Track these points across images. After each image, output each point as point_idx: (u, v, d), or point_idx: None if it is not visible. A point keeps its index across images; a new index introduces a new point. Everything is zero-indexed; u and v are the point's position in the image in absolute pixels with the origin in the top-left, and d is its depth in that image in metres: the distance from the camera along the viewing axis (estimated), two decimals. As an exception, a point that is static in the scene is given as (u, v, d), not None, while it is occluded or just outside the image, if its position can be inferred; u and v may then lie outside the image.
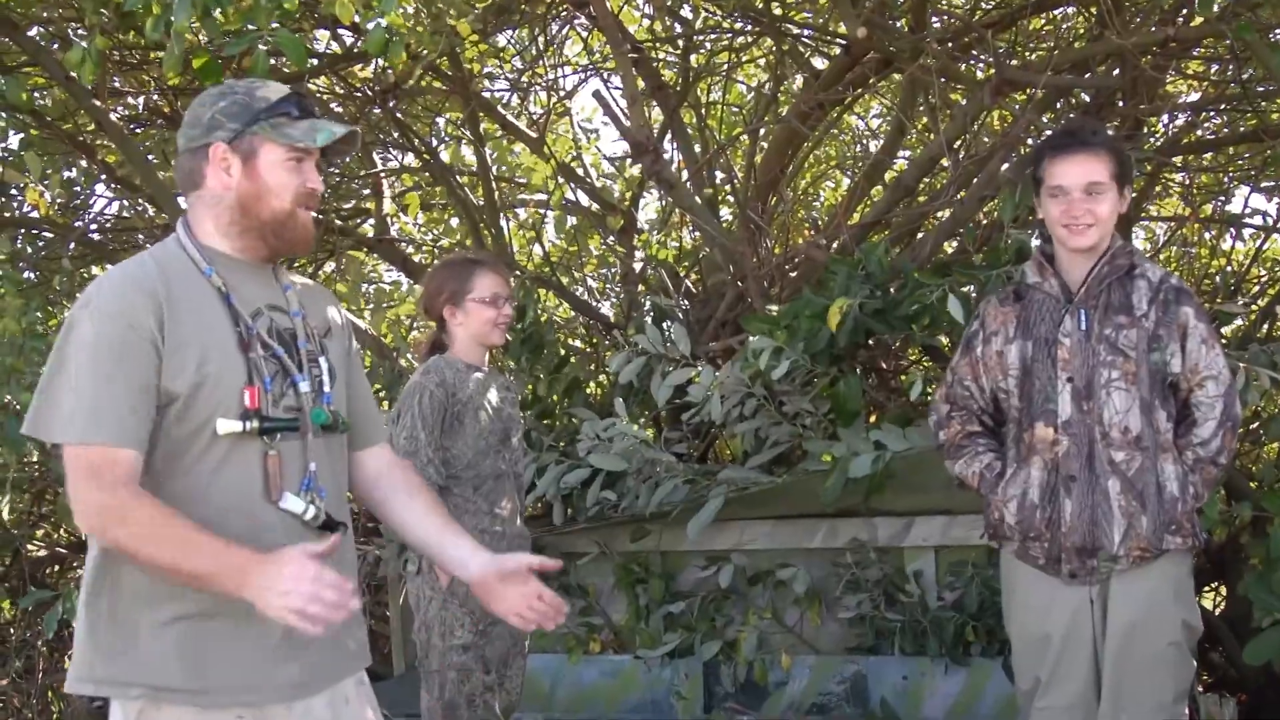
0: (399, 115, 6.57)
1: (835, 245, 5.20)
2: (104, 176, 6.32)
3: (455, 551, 2.82)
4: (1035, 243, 4.58)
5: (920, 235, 5.53)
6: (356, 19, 3.94)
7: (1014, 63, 5.12)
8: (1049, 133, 4.08)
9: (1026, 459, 3.66)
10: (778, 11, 5.62)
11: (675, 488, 5.00)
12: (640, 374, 5.21)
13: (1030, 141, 4.93)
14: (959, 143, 5.20)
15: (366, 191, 7.38)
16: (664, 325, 5.34)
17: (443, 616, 4.17)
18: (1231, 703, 4.15)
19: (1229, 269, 6.98)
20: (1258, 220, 7.33)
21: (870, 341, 5.13)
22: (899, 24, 5.14)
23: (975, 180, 4.99)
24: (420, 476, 3.11)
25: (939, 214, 5.48)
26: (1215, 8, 4.75)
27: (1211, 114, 6.30)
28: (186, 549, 2.38)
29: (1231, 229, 7.35)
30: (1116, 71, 4.91)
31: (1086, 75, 5.11)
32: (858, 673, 5.17)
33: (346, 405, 2.78)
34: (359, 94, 6.56)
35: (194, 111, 2.64)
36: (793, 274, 5.57)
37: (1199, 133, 6.49)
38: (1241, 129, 5.93)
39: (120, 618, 2.50)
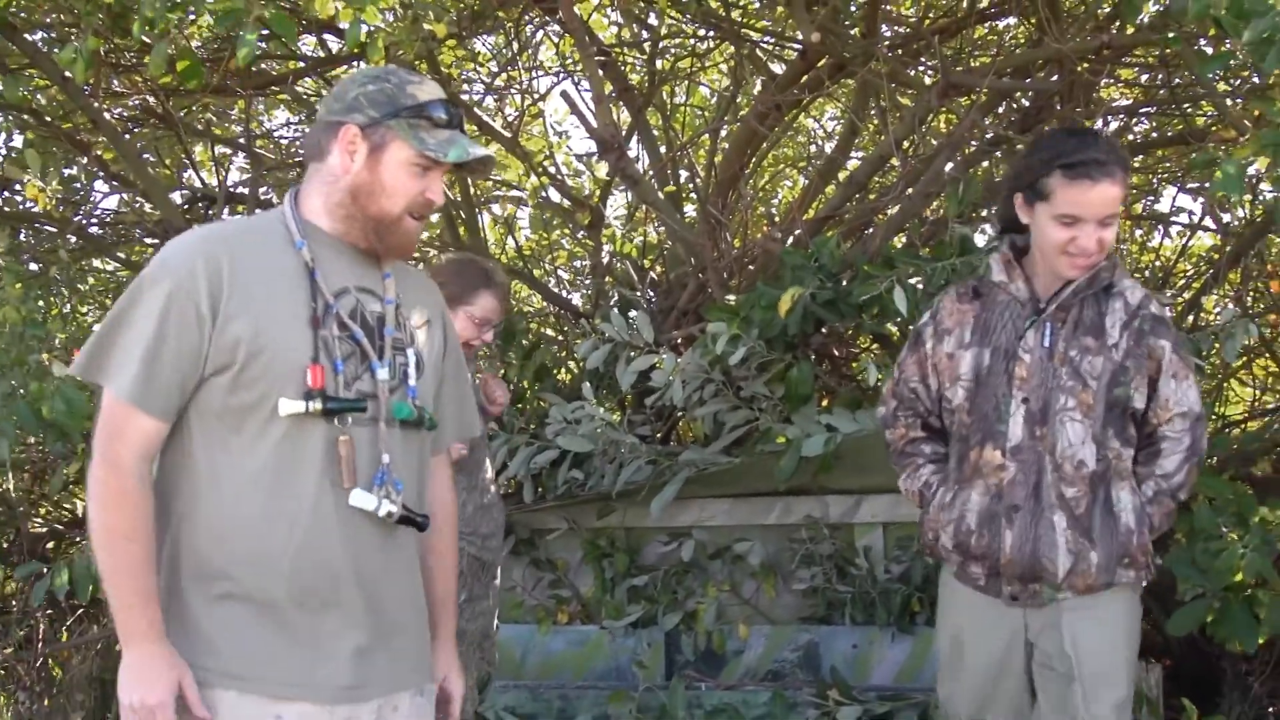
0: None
1: (790, 239, 5.15)
2: (101, 173, 6.23)
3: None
4: (986, 236, 4.54)
5: (870, 230, 5.50)
6: (335, 15, 3.84)
7: (959, 68, 5.06)
8: (1049, 136, 3.46)
9: (969, 480, 3.23)
10: (738, 18, 5.55)
11: (639, 468, 4.98)
12: (607, 360, 5.16)
13: (974, 143, 4.88)
14: (907, 143, 5.15)
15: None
16: (629, 314, 5.30)
17: None
18: (1158, 668, 4.12)
19: (1157, 263, 6.97)
20: (1184, 218, 7.30)
21: (823, 330, 5.10)
22: (852, 30, 5.08)
23: (922, 178, 4.95)
24: (454, 529, 2.78)
25: (888, 210, 5.45)
26: (1143, 18, 4.74)
27: (1141, 118, 6.27)
28: (122, 571, 2.24)
29: (1160, 226, 7.33)
30: (1055, 77, 4.87)
31: (1027, 80, 5.08)
32: (810, 641, 5.15)
33: (433, 402, 2.57)
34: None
35: (343, 85, 2.49)
36: (751, 266, 5.53)
37: (1130, 136, 6.47)
38: (1169, 133, 5.89)
39: (175, 589, 2.32)
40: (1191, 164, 5.29)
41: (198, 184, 6.47)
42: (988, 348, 3.20)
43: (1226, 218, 6.54)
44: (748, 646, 5.16)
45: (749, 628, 5.14)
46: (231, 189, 6.25)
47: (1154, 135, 6.47)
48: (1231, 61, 3.79)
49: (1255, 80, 4.51)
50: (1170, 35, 3.76)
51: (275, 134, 7.01)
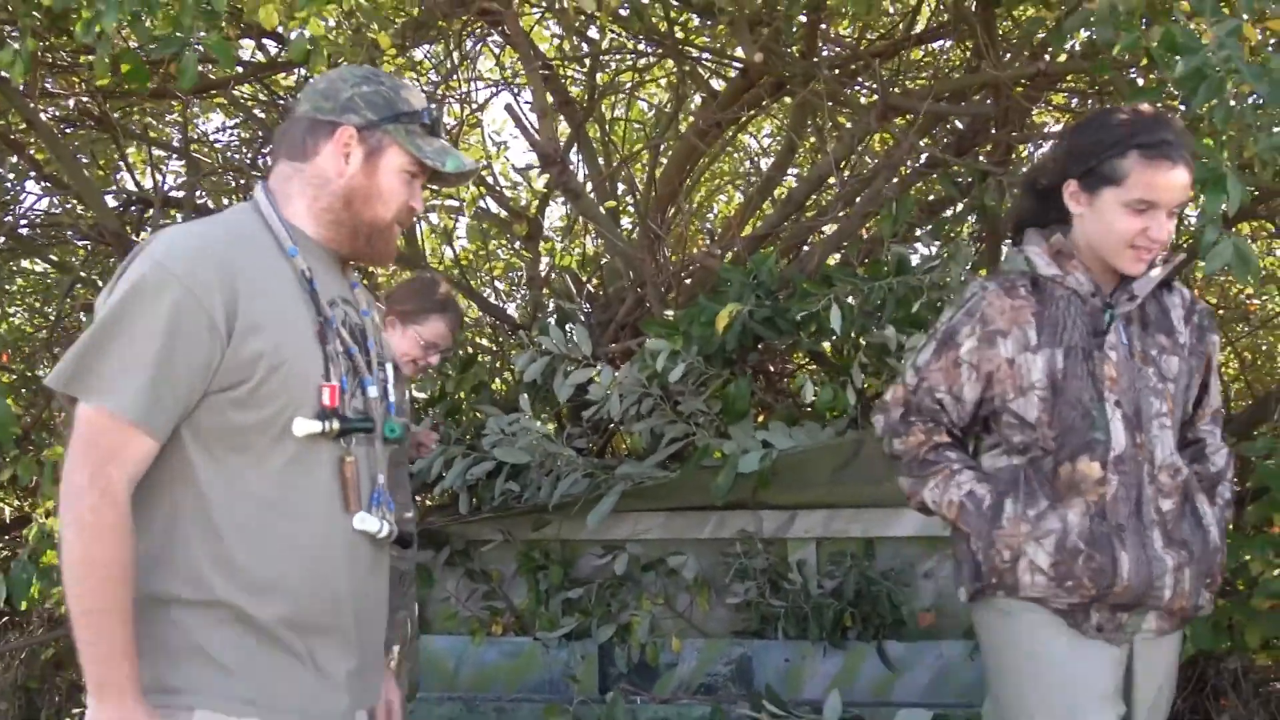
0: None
1: (729, 255, 5.18)
2: (33, 174, 6.14)
3: None
4: (919, 256, 4.59)
5: (807, 248, 5.54)
6: (280, 29, 3.82)
7: (896, 90, 5.13)
8: (1107, 115, 2.89)
9: (1063, 499, 2.77)
10: (680, 35, 5.58)
11: (576, 481, 4.98)
12: (544, 373, 5.16)
13: (909, 165, 4.94)
14: (844, 163, 5.21)
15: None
16: (566, 327, 5.30)
17: None
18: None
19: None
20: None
21: (759, 346, 5.13)
22: (791, 50, 5.13)
23: (859, 198, 5.00)
24: None
25: (824, 228, 5.50)
26: (1074, 45, 4.83)
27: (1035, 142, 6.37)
28: (112, 615, 2.01)
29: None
30: (990, 101, 4.95)
31: (962, 104, 5.16)
32: (743, 655, 5.18)
33: None
34: (281, 101, 6.43)
35: (331, 83, 2.34)
36: (688, 281, 5.55)
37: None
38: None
39: (163, 614, 2.12)
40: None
41: (131, 187, 6.40)
42: (1060, 348, 2.78)
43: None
44: (681, 659, 5.19)
45: (682, 641, 5.16)
46: (165, 193, 6.18)
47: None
48: (1164, 94, 3.86)
49: (1183, 109, 4.61)
50: (1100, 61, 3.83)
51: (211, 138, 6.93)
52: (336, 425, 2.18)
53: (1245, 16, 3.42)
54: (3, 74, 4.59)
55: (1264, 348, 7.27)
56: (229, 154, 6.85)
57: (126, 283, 2.10)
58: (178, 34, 3.87)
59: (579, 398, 5.18)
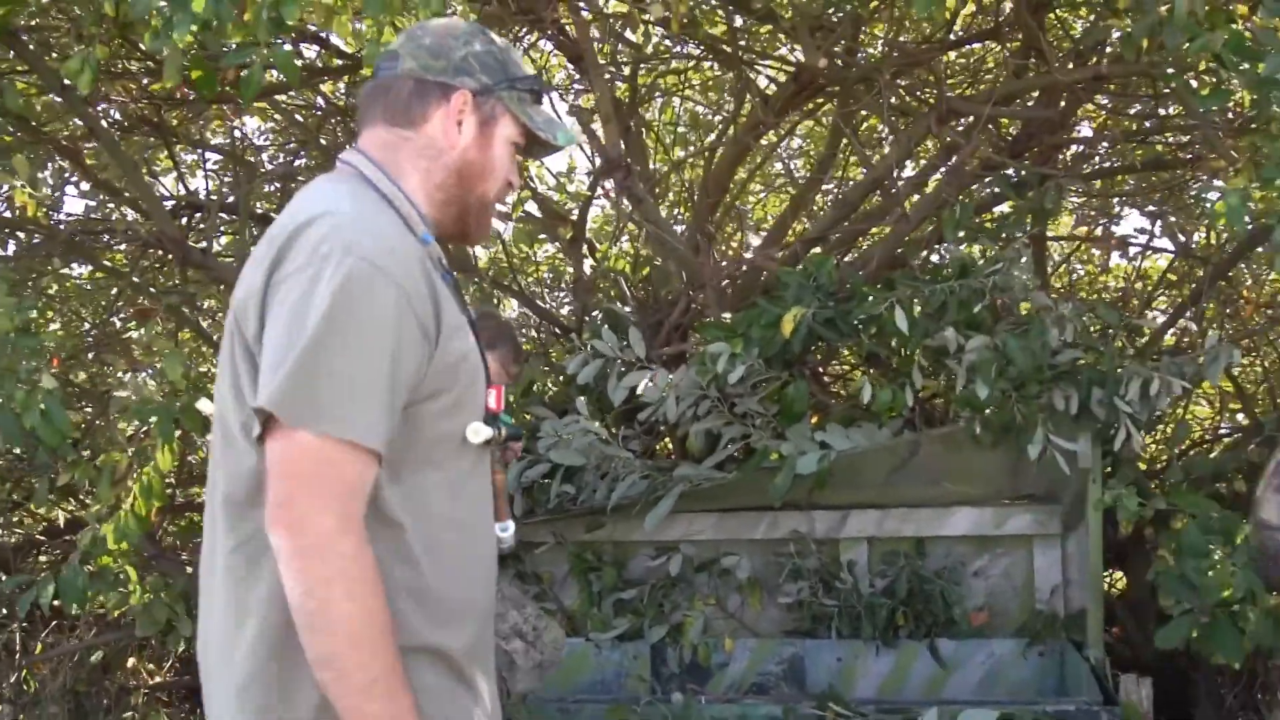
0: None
1: (782, 257, 5.23)
2: (74, 178, 6.16)
3: None
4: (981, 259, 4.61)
5: (856, 251, 5.59)
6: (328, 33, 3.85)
7: (951, 94, 5.17)
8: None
9: None
10: (741, 41, 5.59)
11: (634, 483, 5.00)
12: (597, 376, 5.19)
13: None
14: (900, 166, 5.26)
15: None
16: (618, 330, 5.32)
17: None
18: (1148, 682, 4.23)
19: (1131, 284, 7.14)
20: (1141, 240, 7.47)
21: (816, 348, 5.17)
22: (843, 54, 5.16)
23: (912, 200, 5.04)
24: None
25: (872, 231, 5.54)
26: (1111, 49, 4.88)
27: (1105, 144, 6.42)
28: (396, 677, 1.75)
29: (1119, 248, 7.50)
30: (1047, 105, 4.99)
31: (1017, 105, 5.20)
32: (795, 654, 5.23)
33: None
34: (318, 110, 6.46)
35: (439, 39, 2.05)
36: (738, 283, 5.57)
37: (1095, 162, 6.62)
38: (1130, 160, 6.00)
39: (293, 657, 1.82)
40: (1198, 194, 5.44)
41: (177, 190, 6.43)
42: None
43: (1186, 238, 6.76)
44: (732, 659, 5.24)
45: (734, 641, 5.21)
46: (223, 198, 6.21)
47: (1120, 160, 6.63)
48: (1229, 97, 3.91)
49: (1233, 111, 4.66)
50: (1172, 74, 3.87)
51: (253, 143, 6.96)
52: (503, 430, 2.01)
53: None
54: (65, 81, 4.62)
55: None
56: (276, 158, 6.87)
57: (328, 285, 1.78)
58: (251, 44, 3.91)
59: (630, 400, 5.21)
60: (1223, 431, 7.06)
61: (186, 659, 6.56)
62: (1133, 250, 7.25)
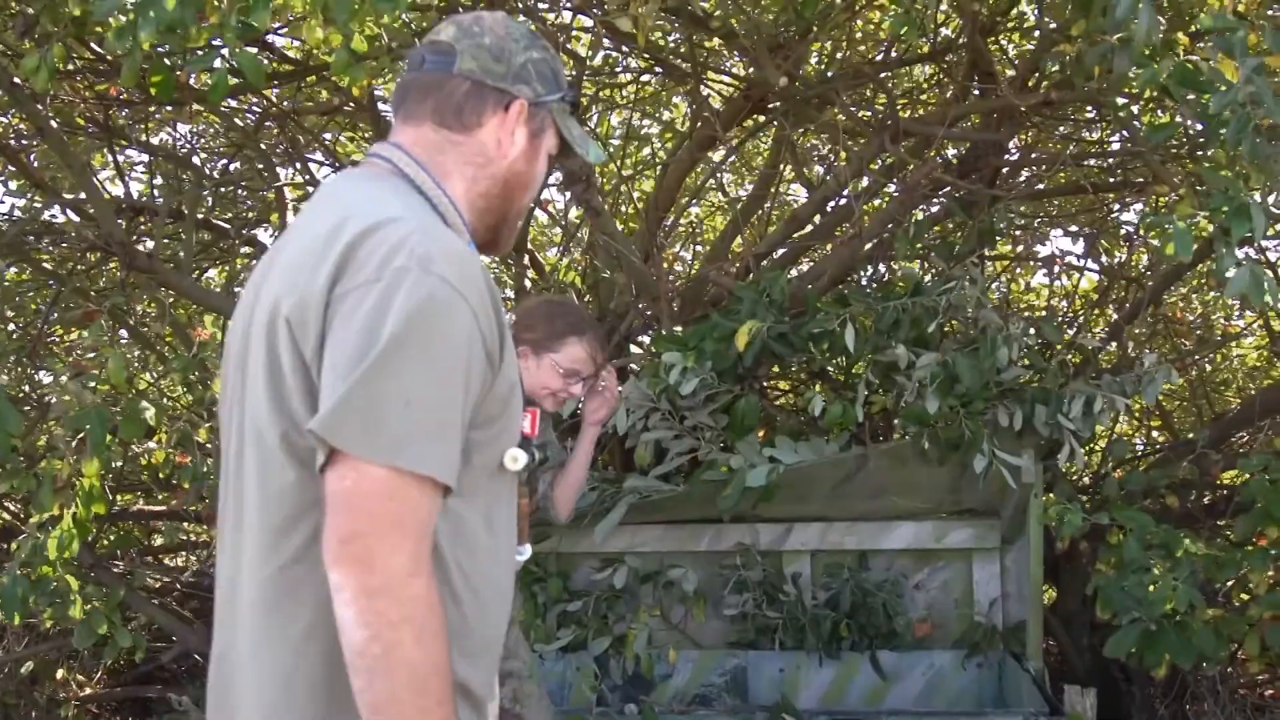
0: (301, 135, 6.45)
1: (733, 271, 5.29)
2: (5, 181, 6.06)
3: None
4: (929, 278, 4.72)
5: (808, 265, 5.68)
6: (322, 40, 3.85)
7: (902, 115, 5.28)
8: None
9: None
10: (698, 56, 5.64)
11: (584, 495, 5.02)
12: (544, 386, 5.19)
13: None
14: (853, 183, 5.35)
15: (249, 202, 7.22)
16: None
17: None
18: (1093, 692, 4.35)
19: (1057, 304, 7.32)
20: (1064, 261, 7.64)
21: (766, 363, 5.23)
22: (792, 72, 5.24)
23: (868, 219, 5.13)
24: None
25: (817, 248, 5.64)
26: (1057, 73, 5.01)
27: (1046, 166, 6.57)
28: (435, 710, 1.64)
29: (1044, 268, 7.68)
30: (997, 127, 5.12)
31: (963, 127, 5.32)
32: (738, 666, 5.30)
33: None
34: (251, 113, 6.41)
35: (500, 40, 1.95)
36: (679, 297, 5.63)
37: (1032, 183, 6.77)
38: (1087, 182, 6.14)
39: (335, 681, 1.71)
40: (1142, 222, 5.60)
41: (117, 193, 6.33)
42: None
43: (1111, 260, 6.96)
44: (676, 671, 5.29)
45: (678, 652, 5.26)
46: (157, 200, 6.14)
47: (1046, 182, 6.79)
48: (1177, 129, 4.04)
49: (1175, 140, 4.79)
50: (1120, 101, 4.01)
51: (193, 146, 6.88)
52: (537, 455, 2.02)
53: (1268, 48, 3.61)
54: (15, 80, 4.56)
55: (1226, 364, 7.60)
56: (210, 162, 6.81)
57: (404, 304, 1.66)
58: (213, 48, 3.90)
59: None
60: (1139, 447, 7.28)
61: (116, 670, 6.47)
62: (1057, 270, 7.43)
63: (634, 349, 5.78)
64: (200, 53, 3.92)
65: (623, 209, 6.55)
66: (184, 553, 7.17)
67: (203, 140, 7.04)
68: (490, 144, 1.94)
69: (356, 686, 1.63)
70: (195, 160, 6.58)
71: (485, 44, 1.95)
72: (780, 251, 5.74)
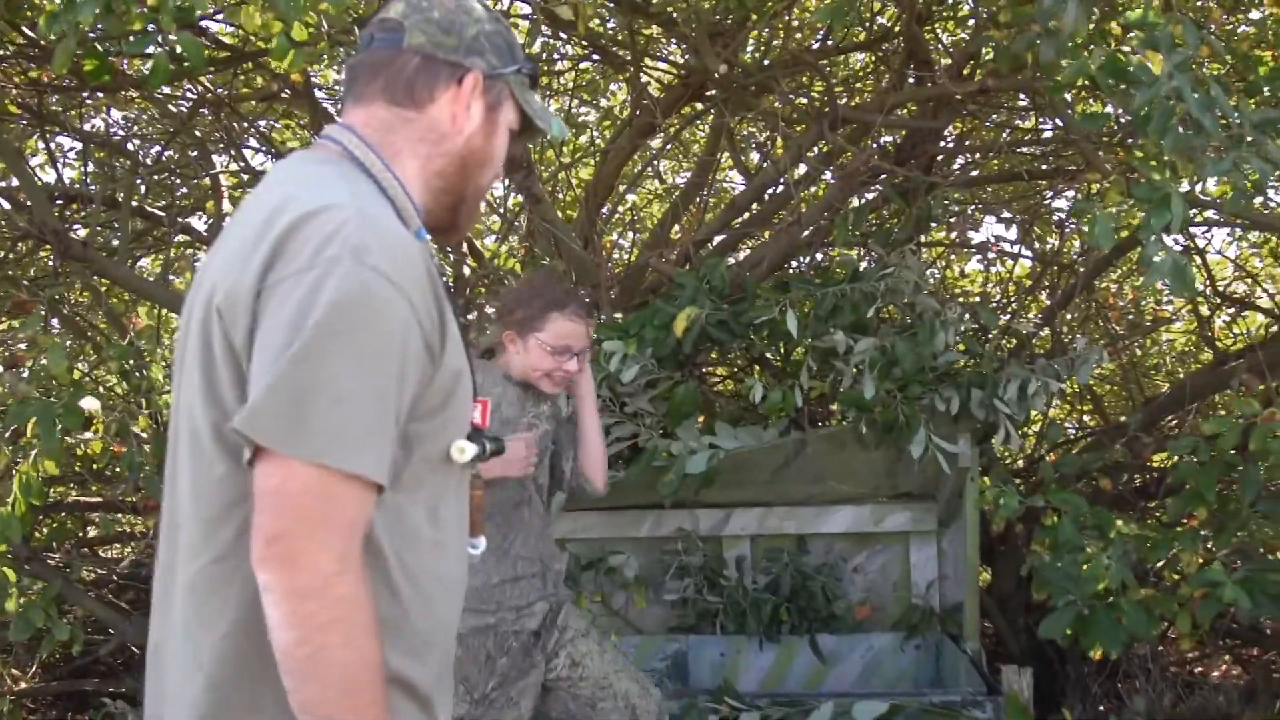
0: (237, 122, 6.40)
1: (673, 258, 5.32)
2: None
3: None
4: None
5: (747, 252, 5.72)
6: (261, 26, 3.83)
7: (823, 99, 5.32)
8: None
9: None
10: (632, 43, 5.66)
11: (522, 482, 5.03)
12: (486, 373, 5.20)
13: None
14: (790, 170, 5.38)
15: (184, 190, 7.15)
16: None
17: None
18: (1029, 672, 4.43)
19: (995, 288, 7.41)
20: (997, 247, 7.75)
21: (706, 349, 5.27)
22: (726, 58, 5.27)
23: (808, 207, 5.18)
24: None
25: (758, 234, 5.68)
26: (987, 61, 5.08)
27: (980, 154, 6.66)
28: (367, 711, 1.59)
29: (978, 254, 7.78)
30: (933, 115, 5.18)
31: (900, 114, 5.38)
32: (679, 650, 5.34)
33: None
34: (191, 96, 6.35)
35: (450, 14, 1.87)
36: (617, 284, 5.65)
37: (958, 171, 6.86)
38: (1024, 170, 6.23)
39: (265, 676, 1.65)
40: (1073, 209, 5.69)
41: (49, 180, 6.25)
42: None
43: (1043, 245, 7.07)
44: (617, 656, 5.31)
45: (619, 638, 5.29)
46: (91, 187, 6.07)
47: (978, 170, 6.87)
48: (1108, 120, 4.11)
49: (1105, 128, 4.87)
50: (1055, 85, 4.06)
51: (128, 133, 6.80)
52: (489, 447, 1.86)
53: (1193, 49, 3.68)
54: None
55: (1157, 349, 7.74)
56: (144, 149, 6.73)
57: (332, 295, 1.59)
58: (148, 33, 3.86)
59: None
60: (1072, 431, 7.40)
61: (51, 664, 6.40)
62: (991, 255, 7.53)
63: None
64: (134, 38, 3.87)
65: (561, 196, 6.57)
66: (120, 544, 7.10)
67: (137, 127, 6.97)
68: (444, 120, 1.85)
69: (288, 687, 1.59)
70: (130, 147, 6.50)
71: (434, 17, 1.87)
72: (719, 238, 5.78)
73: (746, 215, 5.84)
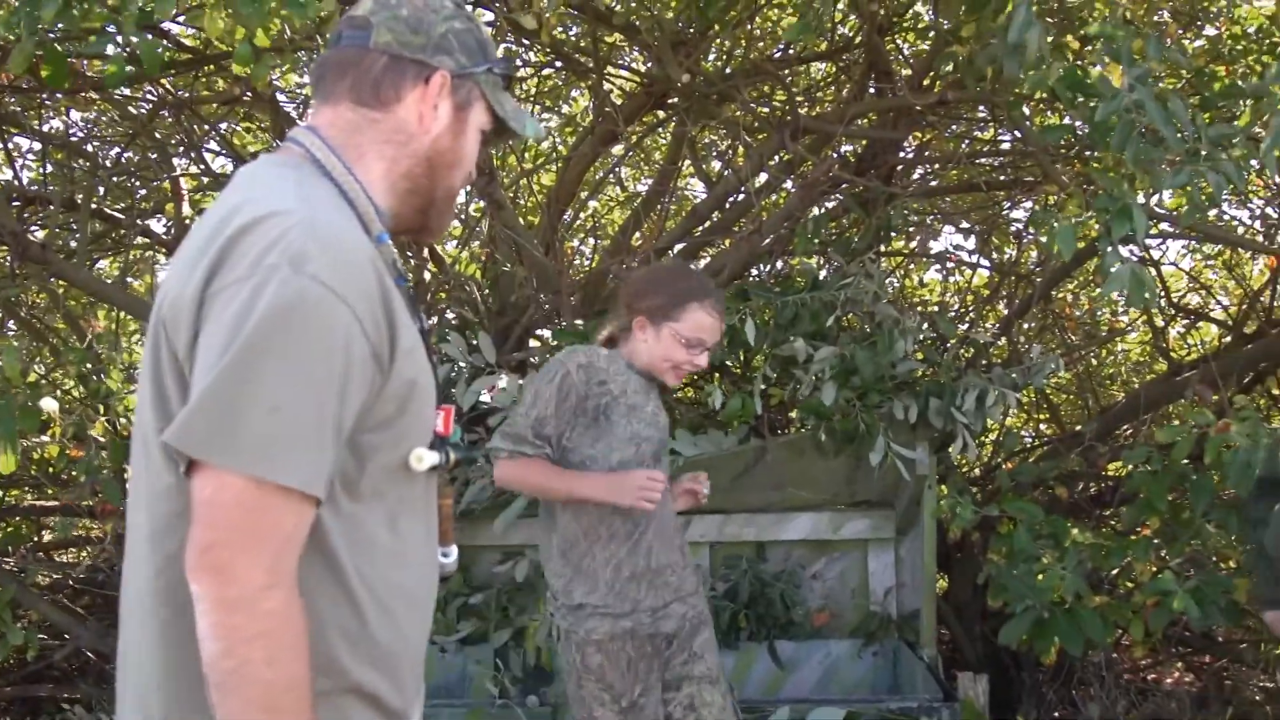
0: (198, 125, 6.36)
1: (634, 265, 5.34)
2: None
3: None
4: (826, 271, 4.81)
5: (707, 260, 5.74)
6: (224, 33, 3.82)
7: (804, 110, 5.36)
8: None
9: None
10: (592, 50, 5.69)
11: (485, 487, 5.03)
12: (444, 381, 5.20)
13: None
14: (751, 179, 5.41)
15: (143, 192, 7.11)
16: (466, 335, 5.35)
17: (580, 696, 3.40)
18: (985, 679, 4.46)
19: (953, 298, 7.46)
20: (955, 257, 7.81)
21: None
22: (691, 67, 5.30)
23: (769, 216, 5.20)
24: None
25: (718, 242, 5.70)
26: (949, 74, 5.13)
27: (940, 165, 6.71)
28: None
29: (937, 264, 7.84)
30: (893, 126, 5.22)
31: (860, 124, 5.42)
32: (638, 657, 5.32)
33: None
34: (152, 98, 6.32)
35: (418, 12, 1.84)
36: (578, 291, 5.66)
37: (918, 181, 6.91)
38: (982, 181, 6.29)
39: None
40: (1031, 220, 5.74)
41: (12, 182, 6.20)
42: None
43: (1001, 256, 7.13)
44: (575, 663, 5.31)
45: (579, 643, 5.29)
46: (50, 189, 6.02)
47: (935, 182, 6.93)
48: (1068, 132, 4.16)
49: (1064, 140, 4.92)
50: (1013, 100, 4.11)
51: (86, 134, 6.76)
52: (453, 456, 1.83)
53: (1154, 63, 3.73)
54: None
55: (1112, 359, 7.83)
56: (102, 150, 6.69)
57: (268, 304, 1.55)
58: (107, 34, 3.85)
59: (476, 406, 5.23)
60: (1028, 439, 7.47)
61: (4, 670, 6.34)
62: (950, 265, 7.59)
63: (534, 342, 5.80)
64: (94, 38, 3.85)
65: (523, 202, 6.57)
66: (76, 549, 7.05)
67: (96, 128, 6.92)
68: (411, 120, 1.82)
69: (213, 700, 1.57)
70: (89, 148, 6.45)
71: (402, 15, 1.84)
72: (680, 246, 5.80)
73: (708, 223, 5.87)
